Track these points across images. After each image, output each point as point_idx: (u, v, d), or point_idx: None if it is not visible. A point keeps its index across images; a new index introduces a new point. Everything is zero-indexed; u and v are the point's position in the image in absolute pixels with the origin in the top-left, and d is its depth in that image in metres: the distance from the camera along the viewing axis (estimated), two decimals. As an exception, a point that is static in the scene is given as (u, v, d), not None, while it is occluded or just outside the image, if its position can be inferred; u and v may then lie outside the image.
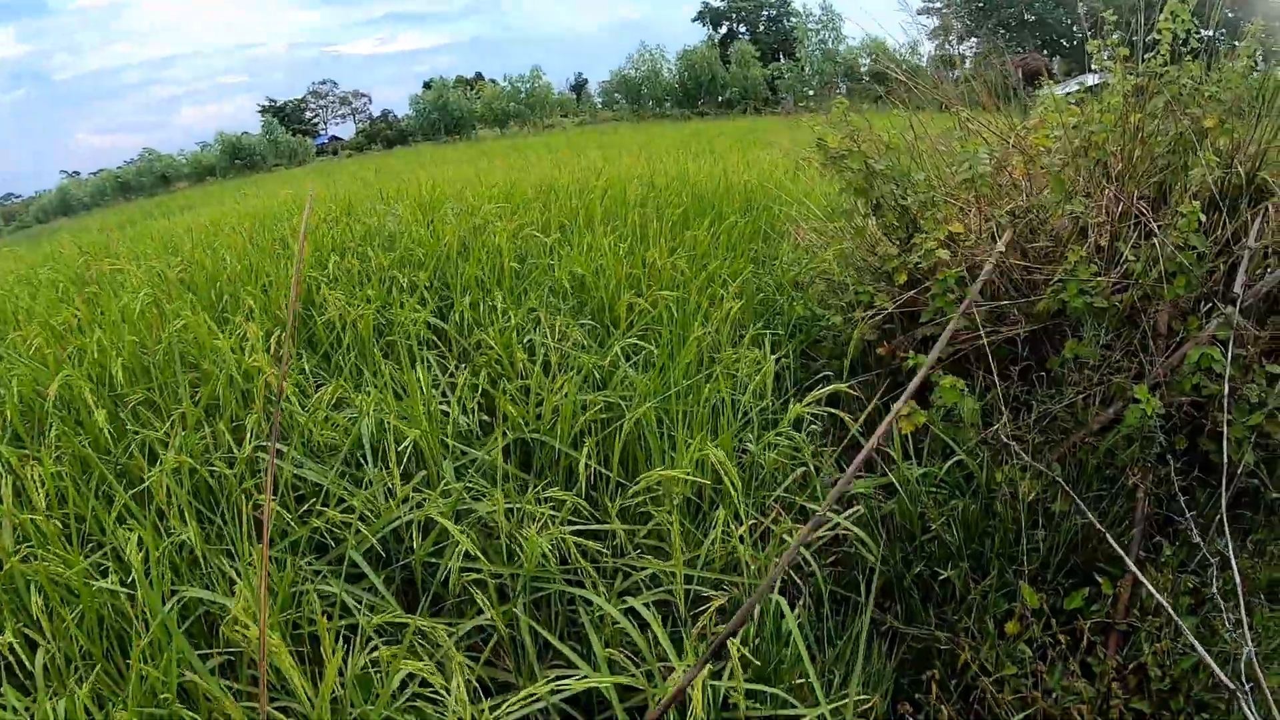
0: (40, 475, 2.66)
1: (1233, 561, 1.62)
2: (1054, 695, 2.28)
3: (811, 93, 62.11)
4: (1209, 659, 1.31)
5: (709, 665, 2.02)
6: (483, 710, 2.10)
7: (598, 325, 4.19)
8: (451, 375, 3.49)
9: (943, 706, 2.33)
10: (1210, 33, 3.67)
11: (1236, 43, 3.59)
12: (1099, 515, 2.68)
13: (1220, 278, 3.03)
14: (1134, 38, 3.34)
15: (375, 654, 2.17)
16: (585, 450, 2.70)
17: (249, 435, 2.95)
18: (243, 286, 4.89)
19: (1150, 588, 1.48)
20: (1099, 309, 2.96)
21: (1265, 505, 2.87)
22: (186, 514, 2.57)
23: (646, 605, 2.35)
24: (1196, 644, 1.35)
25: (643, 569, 2.52)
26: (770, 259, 5.32)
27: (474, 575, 2.45)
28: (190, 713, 2.00)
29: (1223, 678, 1.26)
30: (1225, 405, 2.54)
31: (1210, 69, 3.30)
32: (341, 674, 2.09)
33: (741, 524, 2.55)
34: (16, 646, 2.17)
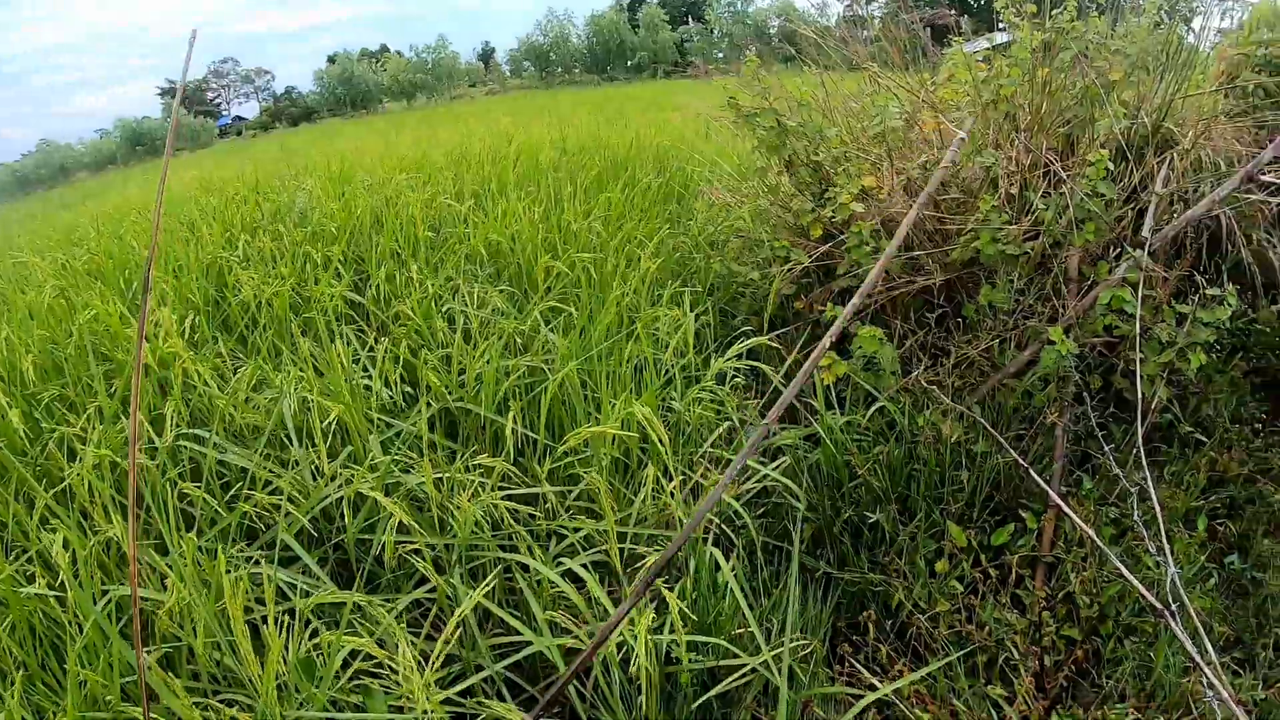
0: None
1: (1152, 492, 1.69)
2: (987, 628, 2.36)
3: (721, 55, 62.23)
4: (1137, 584, 1.37)
5: (650, 618, 2.03)
6: (429, 683, 2.08)
7: (516, 291, 4.14)
8: (371, 349, 3.42)
9: (881, 645, 2.40)
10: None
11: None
12: (1020, 454, 2.77)
13: (1128, 224, 3.13)
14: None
15: (316, 638, 2.13)
16: (511, 415, 2.67)
17: (169, 423, 2.84)
18: (152, 272, 4.68)
19: (1075, 519, 1.54)
20: (1011, 256, 3.03)
21: (1179, 438, 2.99)
22: (111, 511, 2.47)
23: (584, 566, 2.36)
24: (1124, 570, 1.41)
25: (577, 530, 2.52)
26: (685, 219, 5.33)
27: (410, 547, 2.42)
28: (136, 709, 1.93)
29: (1152, 600, 1.31)
30: (1137, 344, 2.63)
31: (1116, 24, 3.40)
32: (285, 660, 2.05)
33: (671, 480, 2.56)
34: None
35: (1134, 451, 2.71)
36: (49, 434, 2.98)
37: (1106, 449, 2.36)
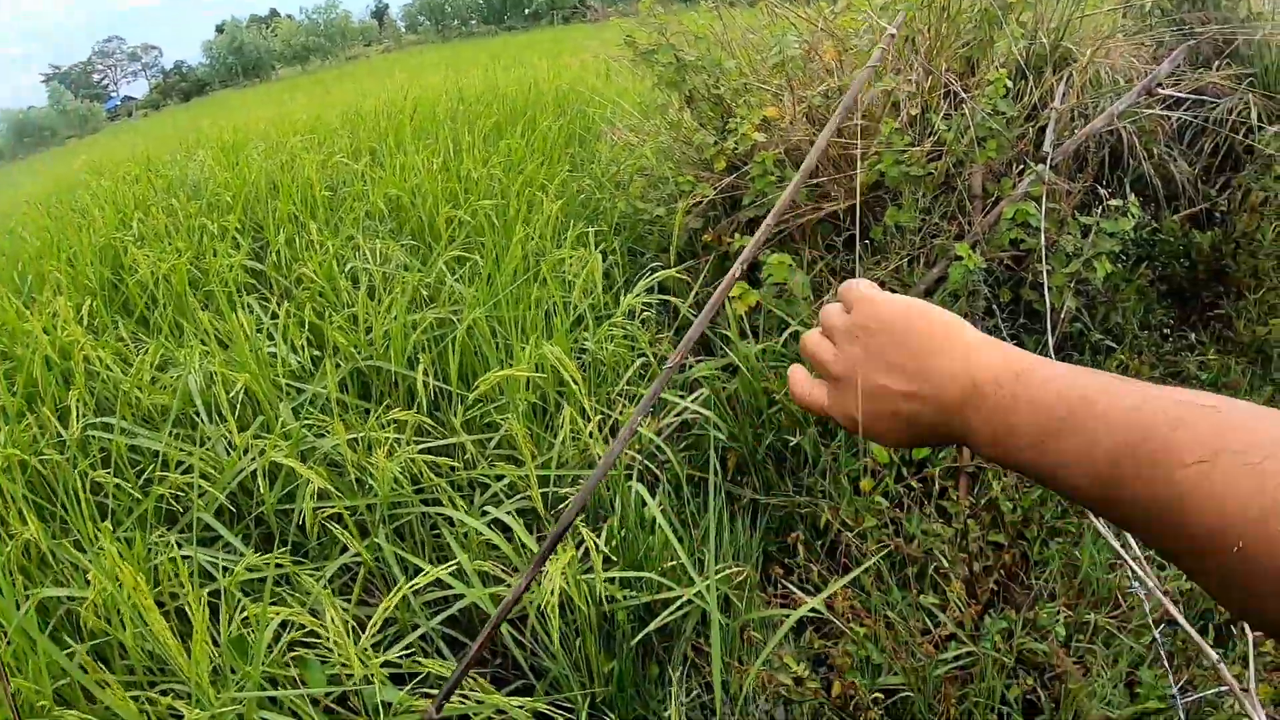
0: None
1: None
2: (915, 540, 2.41)
3: (619, -3, 61.33)
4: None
5: (572, 558, 2.03)
6: (365, 648, 2.05)
7: (419, 244, 4.05)
8: (275, 315, 3.31)
9: (812, 566, 2.44)
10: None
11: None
12: (935, 370, 2.81)
13: (1030, 141, 3.18)
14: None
15: (245, 614, 2.07)
16: (420, 369, 2.62)
17: (74, 414, 2.72)
18: (46, 262, 4.54)
19: None
20: (915, 177, 3.06)
21: (1090, 346, 3.08)
22: (25, 512, 2.35)
23: (509, 514, 2.33)
24: None
25: (500, 478, 2.49)
26: (588, 161, 5.25)
27: (329, 511, 2.36)
28: (73, 712, 1.85)
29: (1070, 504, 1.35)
30: (1043, 256, 2.69)
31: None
32: (216, 642, 1.99)
33: (590, 420, 2.54)
34: None
35: (1046, 361, 2.77)
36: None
37: (1020, 360, 2.43)
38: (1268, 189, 3.38)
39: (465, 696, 1.90)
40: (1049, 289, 2.73)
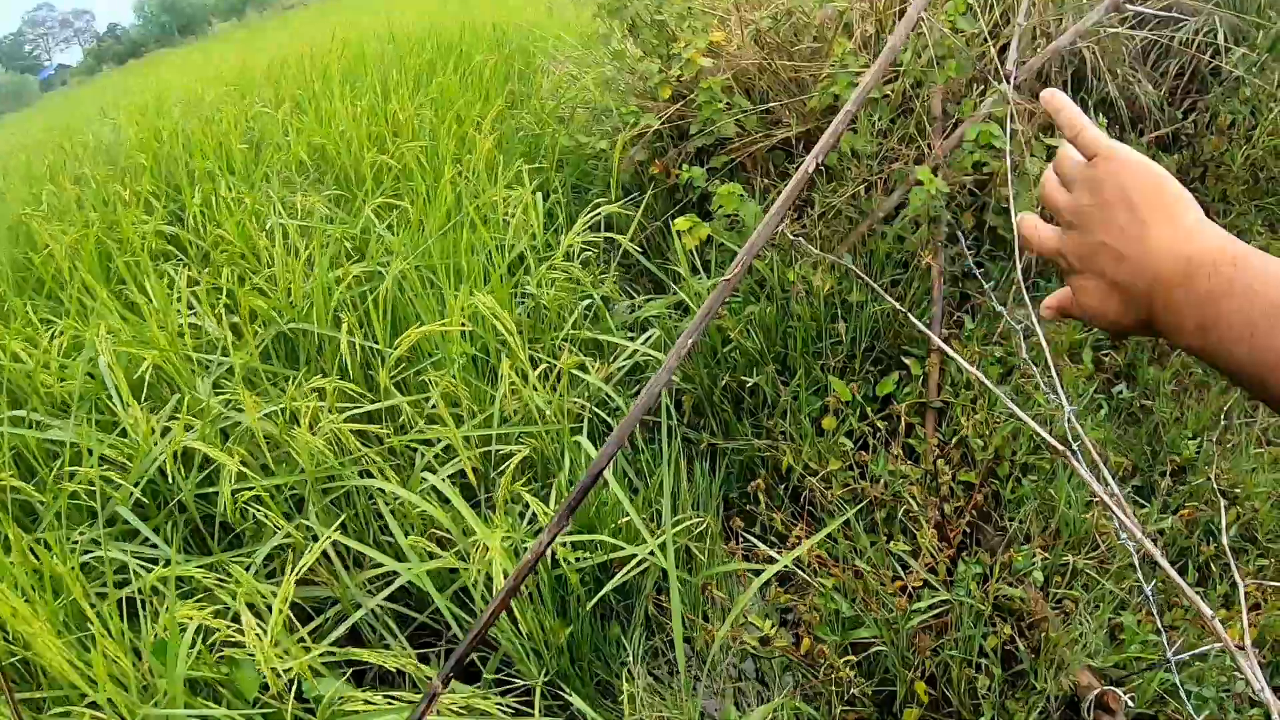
0: None
1: (1037, 327, 1.60)
2: (882, 481, 2.27)
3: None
4: (1033, 424, 1.26)
5: (511, 529, 1.87)
6: (300, 638, 1.89)
7: (345, 194, 3.80)
8: (197, 283, 3.06)
9: (775, 514, 2.29)
10: None
11: None
12: (897, 300, 2.67)
13: (991, 61, 3.01)
14: None
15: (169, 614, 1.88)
16: (344, 328, 2.41)
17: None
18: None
19: (960, 361, 1.43)
20: (871, 100, 2.88)
21: (1057, 271, 2.94)
22: None
23: (446, 480, 2.15)
24: (1017, 410, 1.31)
25: (439, 441, 2.31)
26: (528, 97, 4.98)
27: (251, 493, 2.17)
28: None
29: (1050, 441, 1.20)
30: (1009, 179, 2.54)
31: None
32: (140, 653, 1.83)
33: (536, 369, 2.36)
34: None
35: (1014, 289, 2.64)
36: None
37: (986, 288, 2.28)
38: (1235, 112, 3.31)
39: (394, 697, 1.74)
40: (1014, 213, 2.57)
